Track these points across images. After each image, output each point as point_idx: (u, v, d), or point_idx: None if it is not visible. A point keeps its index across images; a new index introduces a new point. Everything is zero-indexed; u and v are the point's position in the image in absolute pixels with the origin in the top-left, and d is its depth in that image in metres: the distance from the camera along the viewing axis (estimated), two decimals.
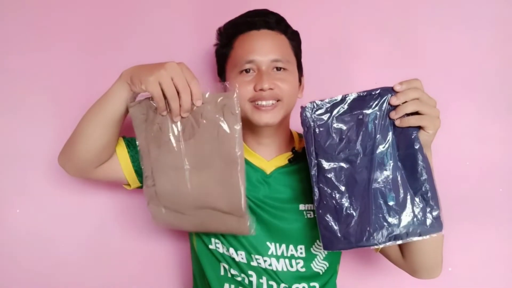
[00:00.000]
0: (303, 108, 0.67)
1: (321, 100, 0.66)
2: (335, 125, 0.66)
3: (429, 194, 0.63)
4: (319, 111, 0.66)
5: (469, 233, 1.05)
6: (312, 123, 0.66)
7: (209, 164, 0.69)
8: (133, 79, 0.66)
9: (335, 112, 0.66)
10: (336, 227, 0.65)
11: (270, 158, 0.85)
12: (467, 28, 1.05)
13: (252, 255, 0.79)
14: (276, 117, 0.79)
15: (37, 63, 1.02)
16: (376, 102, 0.64)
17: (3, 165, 1.01)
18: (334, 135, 0.66)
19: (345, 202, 0.65)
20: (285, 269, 0.78)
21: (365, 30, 1.06)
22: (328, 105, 0.66)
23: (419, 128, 0.63)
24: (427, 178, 0.62)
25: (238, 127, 0.67)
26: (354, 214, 0.64)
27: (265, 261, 0.78)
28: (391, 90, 0.63)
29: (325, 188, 0.66)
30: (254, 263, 0.79)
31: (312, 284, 0.79)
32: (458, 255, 1.05)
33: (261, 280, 0.78)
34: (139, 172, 0.80)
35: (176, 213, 0.73)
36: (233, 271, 0.80)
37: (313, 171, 0.67)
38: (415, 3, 1.06)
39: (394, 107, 0.63)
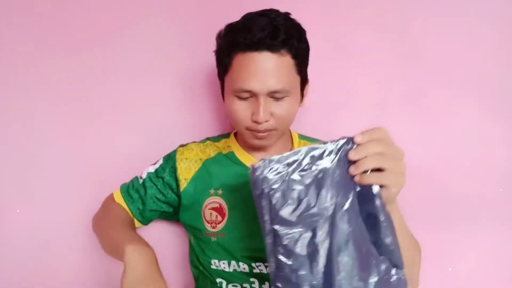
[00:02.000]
0: (253, 169, 0.57)
1: (274, 158, 0.57)
2: (291, 186, 0.57)
3: (393, 254, 0.57)
4: (273, 171, 0.57)
5: (469, 233, 1.05)
6: (265, 186, 0.57)
7: None
8: None
9: (290, 170, 0.57)
10: None
11: None
12: (467, 28, 1.05)
13: (253, 264, 0.79)
14: (271, 142, 0.81)
15: (38, 63, 1.02)
16: (335, 156, 0.56)
17: (3, 165, 1.02)
18: (291, 198, 0.56)
19: (306, 272, 0.56)
20: None
21: (365, 30, 1.06)
22: (282, 163, 0.57)
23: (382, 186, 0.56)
24: (390, 238, 0.56)
25: None
26: (316, 284, 0.56)
27: (266, 266, 0.78)
28: (351, 141, 0.56)
29: (283, 259, 0.57)
30: (256, 270, 0.79)
31: None
32: (458, 255, 1.05)
33: (263, 286, 0.78)
34: (135, 213, 0.90)
35: None
36: (231, 286, 0.80)
37: (268, 239, 0.58)
38: (416, 3, 1.06)
39: (354, 161, 0.56)
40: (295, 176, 0.57)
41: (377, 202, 0.55)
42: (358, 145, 0.55)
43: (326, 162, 0.56)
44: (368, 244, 0.57)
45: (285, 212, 0.57)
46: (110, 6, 1.04)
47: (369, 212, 0.57)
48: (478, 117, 1.05)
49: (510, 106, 1.05)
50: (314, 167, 0.57)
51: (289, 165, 0.57)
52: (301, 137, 0.93)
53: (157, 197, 0.88)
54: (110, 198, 0.92)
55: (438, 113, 1.06)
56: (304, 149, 0.57)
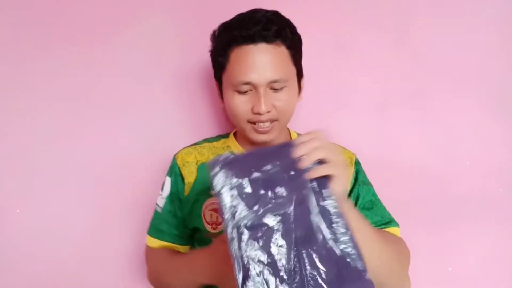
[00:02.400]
0: (209, 167, 0.58)
1: (228, 155, 0.59)
2: (245, 185, 0.57)
3: (352, 252, 0.56)
4: (227, 170, 0.58)
5: (469, 233, 1.05)
6: (220, 185, 0.57)
7: None
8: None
9: (246, 170, 0.58)
10: None
11: None
12: (467, 28, 1.05)
13: None
14: (274, 136, 0.81)
15: (38, 63, 1.02)
16: (282, 161, 0.58)
17: (3, 165, 1.02)
18: (244, 198, 0.57)
19: (269, 277, 0.54)
20: None
21: (365, 30, 1.06)
22: (235, 162, 0.58)
23: (329, 178, 0.56)
24: (347, 237, 0.55)
25: None
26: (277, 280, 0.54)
27: None
28: (293, 145, 0.58)
29: (247, 263, 0.55)
30: None
31: None
32: (458, 255, 1.05)
33: None
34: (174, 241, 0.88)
35: None
36: None
37: (229, 235, 0.57)
38: (416, 3, 1.06)
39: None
40: (251, 175, 0.58)
41: (329, 197, 0.56)
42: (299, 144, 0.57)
43: (276, 165, 0.58)
44: (326, 244, 0.56)
45: (240, 212, 0.57)
46: (110, 6, 1.04)
47: (323, 210, 0.57)
48: (478, 117, 1.05)
49: (510, 106, 1.05)
50: (265, 168, 0.58)
51: (242, 164, 0.58)
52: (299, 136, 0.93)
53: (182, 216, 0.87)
54: (147, 249, 0.90)
55: (438, 113, 1.06)
56: (255, 150, 0.59)
